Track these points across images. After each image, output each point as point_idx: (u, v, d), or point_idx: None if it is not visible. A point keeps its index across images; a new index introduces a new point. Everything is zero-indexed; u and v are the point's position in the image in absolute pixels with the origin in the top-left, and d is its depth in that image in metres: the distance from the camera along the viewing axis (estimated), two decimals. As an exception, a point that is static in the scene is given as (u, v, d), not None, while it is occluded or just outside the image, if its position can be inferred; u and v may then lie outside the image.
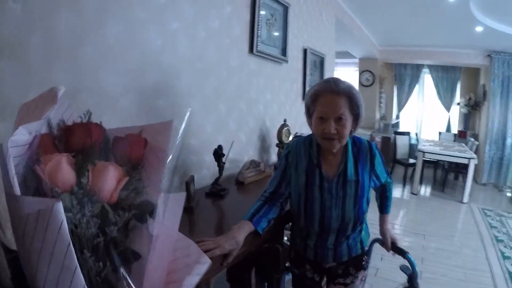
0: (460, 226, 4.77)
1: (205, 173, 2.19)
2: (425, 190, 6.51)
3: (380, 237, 1.82)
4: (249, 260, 1.78)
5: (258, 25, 2.50)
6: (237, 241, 1.30)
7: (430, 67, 8.36)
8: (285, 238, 2.53)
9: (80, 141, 0.61)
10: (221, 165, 2.03)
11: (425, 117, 9.02)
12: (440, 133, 8.28)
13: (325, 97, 1.47)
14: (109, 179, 0.59)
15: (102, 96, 1.51)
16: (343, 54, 8.09)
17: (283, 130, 2.77)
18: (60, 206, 0.50)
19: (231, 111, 2.43)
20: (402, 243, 3.88)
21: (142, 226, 0.64)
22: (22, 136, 0.54)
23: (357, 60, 8.46)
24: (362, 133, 7.20)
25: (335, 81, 1.48)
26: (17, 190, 0.52)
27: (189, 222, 1.64)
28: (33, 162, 0.57)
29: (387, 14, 5.41)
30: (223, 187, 2.03)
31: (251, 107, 2.67)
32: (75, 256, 0.51)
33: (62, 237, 0.50)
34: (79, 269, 0.51)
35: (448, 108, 8.39)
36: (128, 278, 0.58)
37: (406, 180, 6.62)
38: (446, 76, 8.27)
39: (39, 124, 0.58)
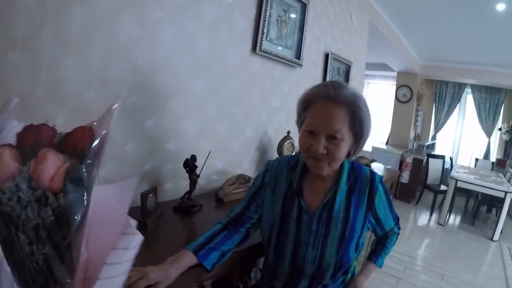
0: (485, 268, 4.19)
1: (184, 184, 1.88)
2: (453, 221, 5.92)
3: None
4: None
5: (264, 20, 2.17)
6: (166, 275, 1.00)
7: (473, 87, 7.69)
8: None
9: (29, 140, 0.61)
10: (193, 179, 1.72)
11: (463, 141, 8.35)
12: (477, 159, 7.60)
13: (318, 105, 1.13)
14: (48, 165, 0.58)
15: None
16: (381, 66, 7.69)
17: (285, 144, 2.42)
18: None
19: (222, 116, 2.12)
20: (417, 282, 3.52)
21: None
22: None
23: (395, 74, 7.93)
24: (393, 152, 6.78)
25: (336, 86, 1.13)
26: None
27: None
28: None
29: (429, 24, 4.90)
30: (195, 203, 1.73)
31: (249, 114, 2.34)
32: None
33: None
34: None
35: (488, 133, 7.68)
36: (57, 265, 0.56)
37: (434, 208, 6.08)
38: (490, 98, 7.54)
39: None
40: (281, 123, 2.67)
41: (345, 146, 1.12)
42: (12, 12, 1.14)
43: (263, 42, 2.20)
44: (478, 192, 5.71)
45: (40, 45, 1.23)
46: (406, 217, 5.82)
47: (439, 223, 5.57)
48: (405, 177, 6.48)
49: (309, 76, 2.95)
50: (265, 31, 2.20)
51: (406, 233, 5.01)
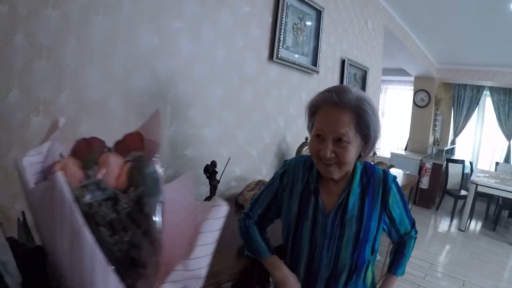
0: (507, 274, 4.09)
1: (204, 190, 1.91)
2: (474, 227, 5.82)
3: None
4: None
5: (280, 29, 2.21)
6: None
7: (491, 89, 7.52)
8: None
9: (82, 151, 0.67)
10: (213, 184, 1.75)
11: (483, 145, 8.16)
12: (497, 163, 7.39)
13: (324, 111, 1.16)
14: (112, 166, 0.64)
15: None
16: (398, 71, 7.62)
17: (303, 150, 2.45)
18: (59, 175, 0.52)
19: (241, 123, 2.16)
20: (437, 288, 3.48)
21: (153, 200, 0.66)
22: (34, 156, 0.62)
23: (412, 79, 7.85)
24: (412, 157, 6.70)
25: (339, 91, 1.15)
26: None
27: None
28: (47, 171, 0.63)
29: (444, 27, 4.86)
30: (213, 209, 1.75)
31: (268, 121, 2.38)
32: (77, 216, 0.53)
33: (64, 199, 0.51)
34: (84, 228, 0.53)
35: (508, 136, 7.49)
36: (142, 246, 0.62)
37: (454, 214, 5.98)
38: (509, 100, 7.36)
39: (47, 144, 0.65)
40: (298, 130, 2.69)
41: (352, 149, 1.14)
42: (38, 22, 1.20)
43: (279, 49, 2.24)
44: (499, 197, 5.61)
45: (64, 54, 1.29)
46: (426, 223, 5.76)
47: (459, 229, 5.48)
48: (425, 183, 6.41)
49: (326, 82, 2.96)
50: (281, 38, 2.23)
51: (427, 240, 4.95)
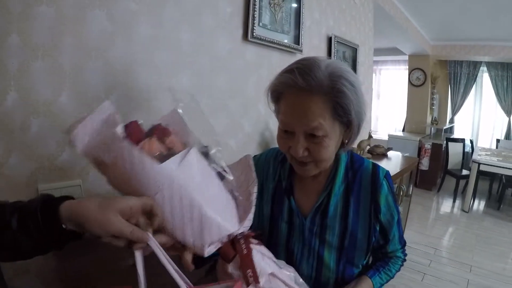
0: (515, 255, 3.93)
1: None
2: (478, 207, 5.63)
3: None
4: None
5: (254, 4, 1.96)
6: None
7: (489, 64, 7.24)
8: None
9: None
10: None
11: (482, 122, 7.95)
12: (498, 140, 7.23)
13: (288, 99, 0.93)
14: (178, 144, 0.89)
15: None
16: (391, 51, 7.43)
17: (288, 137, 2.23)
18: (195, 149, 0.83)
19: (216, 112, 1.93)
20: (444, 276, 3.29)
21: None
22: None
23: (406, 57, 7.62)
24: (410, 138, 6.50)
25: (304, 70, 0.88)
26: None
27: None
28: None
29: (437, 2, 4.59)
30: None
31: (247, 107, 2.14)
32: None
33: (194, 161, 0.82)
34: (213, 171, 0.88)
35: (508, 112, 7.25)
36: None
37: (457, 194, 5.80)
38: (507, 75, 7.06)
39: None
40: (283, 115, 2.46)
41: (331, 142, 0.92)
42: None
43: (255, 27, 2.00)
44: (502, 175, 5.39)
45: (6, 53, 1.12)
46: (428, 206, 5.58)
47: (463, 210, 5.31)
48: (425, 164, 6.21)
49: (311, 62, 2.71)
50: (256, 15, 1.99)
51: (429, 223, 4.78)
